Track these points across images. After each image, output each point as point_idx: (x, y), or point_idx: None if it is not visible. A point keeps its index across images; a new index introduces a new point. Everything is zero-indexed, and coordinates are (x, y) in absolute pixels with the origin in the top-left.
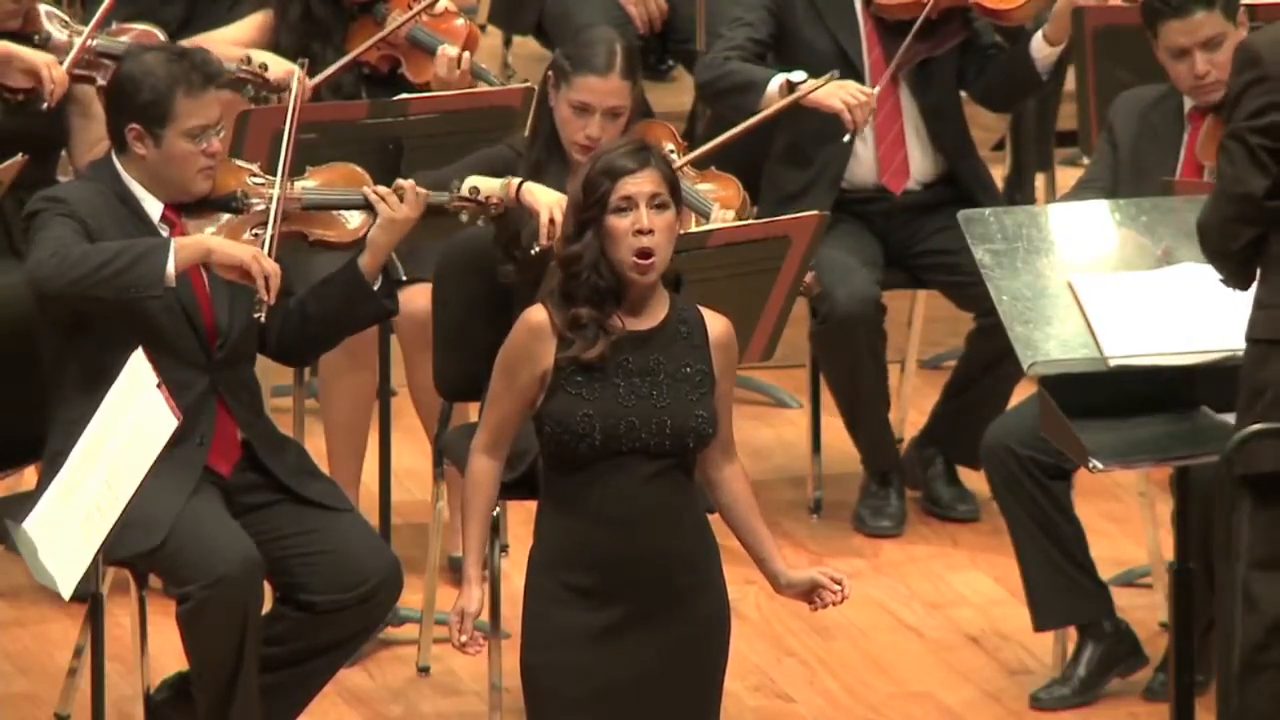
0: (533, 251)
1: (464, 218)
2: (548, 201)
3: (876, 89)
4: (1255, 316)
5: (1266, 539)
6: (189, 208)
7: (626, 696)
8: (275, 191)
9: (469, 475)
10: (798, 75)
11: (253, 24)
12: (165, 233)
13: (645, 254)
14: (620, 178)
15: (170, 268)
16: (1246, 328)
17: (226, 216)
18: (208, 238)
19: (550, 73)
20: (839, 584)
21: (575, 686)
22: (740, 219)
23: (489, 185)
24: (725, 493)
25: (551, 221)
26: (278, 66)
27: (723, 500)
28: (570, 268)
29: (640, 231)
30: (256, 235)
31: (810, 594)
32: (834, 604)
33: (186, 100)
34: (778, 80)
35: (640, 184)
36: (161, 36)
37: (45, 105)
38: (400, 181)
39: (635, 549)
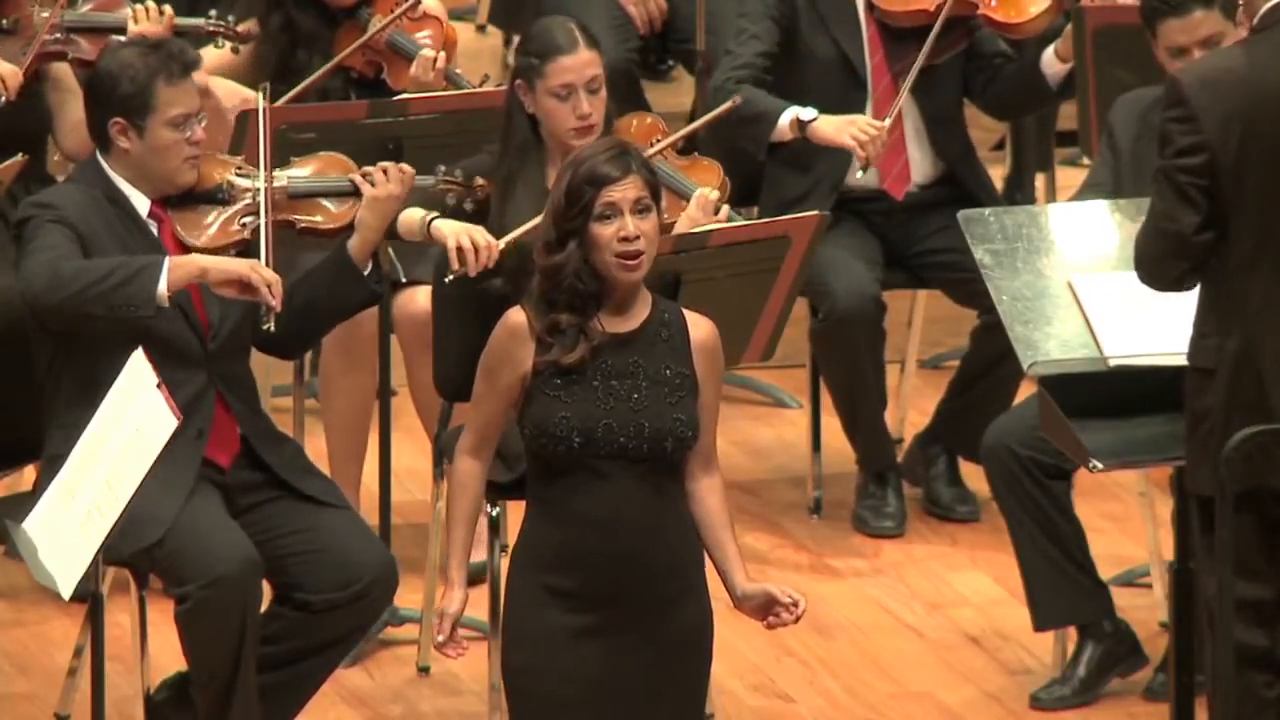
0: (446, 279)
1: (450, 200)
2: (453, 230)
3: (887, 121)
4: (1193, 342)
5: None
6: (176, 202)
7: (608, 700)
8: (260, 184)
9: (454, 477)
10: (808, 113)
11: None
12: (154, 228)
13: (632, 255)
14: (604, 186)
15: (162, 287)
16: (1188, 352)
17: (214, 208)
18: (201, 257)
19: (518, 80)
20: (794, 604)
21: (556, 688)
22: (722, 199)
23: (406, 218)
24: (698, 504)
25: (459, 249)
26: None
27: (695, 511)
28: (553, 277)
29: (626, 239)
30: (245, 224)
31: (766, 609)
32: (789, 623)
33: (168, 89)
34: (788, 116)
35: (625, 190)
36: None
37: (4, 100)
38: (385, 164)
39: (616, 553)
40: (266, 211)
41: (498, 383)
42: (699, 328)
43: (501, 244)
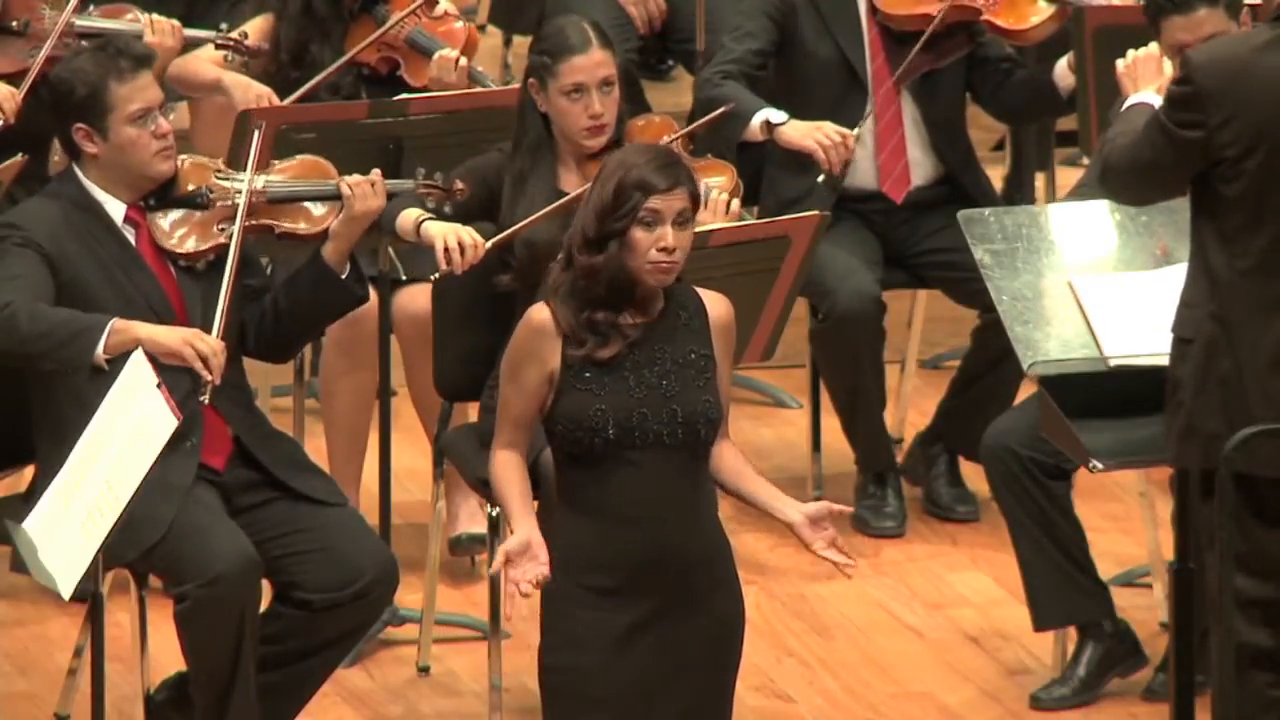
0: (433, 278)
1: (430, 204)
2: (441, 231)
3: (856, 130)
4: (1178, 312)
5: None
6: (154, 206)
7: (647, 695)
8: (244, 185)
9: (495, 465)
10: (778, 116)
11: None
12: (130, 235)
13: (667, 266)
14: (653, 193)
15: (99, 350)
16: (1173, 322)
17: (193, 213)
18: (139, 327)
19: (531, 79)
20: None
21: (597, 686)
22: (733, 199)
23: (402, 218)
24: (721, 462)
25: (446, 249)
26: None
27: (720, 470)
28: (590, 276)
29: (664, 249)
30: (224, 229)
31: (825, 521)
32: (838, 559)
33: (121, 87)
34: (759, 118)
35: (671, 201)
36: (137, 12)
37: (4, 123)
38: (359, 179)
39: (654, 546)
40: (241, 221)
41: (525, 383)
42: (716, 305)
43: (489, 244)
